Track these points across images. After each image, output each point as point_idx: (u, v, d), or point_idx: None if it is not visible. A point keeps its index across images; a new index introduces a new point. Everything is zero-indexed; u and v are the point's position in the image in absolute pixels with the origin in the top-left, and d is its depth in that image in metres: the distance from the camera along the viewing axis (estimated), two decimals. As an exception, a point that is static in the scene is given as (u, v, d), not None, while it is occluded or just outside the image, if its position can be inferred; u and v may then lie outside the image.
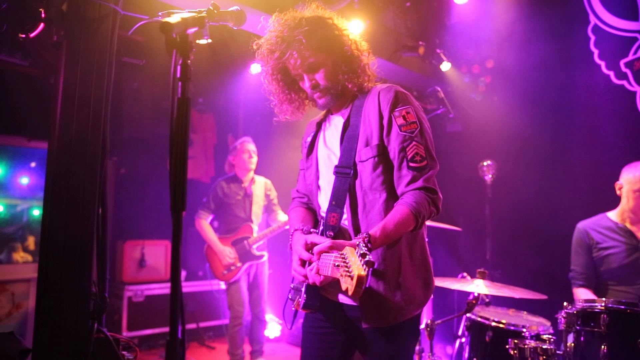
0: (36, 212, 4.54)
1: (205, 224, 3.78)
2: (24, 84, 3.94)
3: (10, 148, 4.43)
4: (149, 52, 3.46)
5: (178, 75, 0.91)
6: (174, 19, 0.86)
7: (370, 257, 1.13)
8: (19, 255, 4.36)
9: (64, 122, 1.75)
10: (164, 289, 4.58)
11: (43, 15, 1.77)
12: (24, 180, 4.58)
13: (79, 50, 1.79)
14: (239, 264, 3.68)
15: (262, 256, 3.78)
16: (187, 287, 4.80)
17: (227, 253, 3.67)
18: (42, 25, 1.81)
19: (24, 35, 1.83)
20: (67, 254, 1.73)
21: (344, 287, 1.16)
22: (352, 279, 1.11)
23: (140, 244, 4.64)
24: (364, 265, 1.11)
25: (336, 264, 1.21)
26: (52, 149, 1.77)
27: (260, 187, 3.89)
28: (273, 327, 4.79)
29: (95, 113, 1.82)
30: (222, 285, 4.90)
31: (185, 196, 0.88)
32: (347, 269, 1.15)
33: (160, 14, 1.19)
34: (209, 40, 1.60)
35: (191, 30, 0.92)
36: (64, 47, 1.78)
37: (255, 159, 3.84)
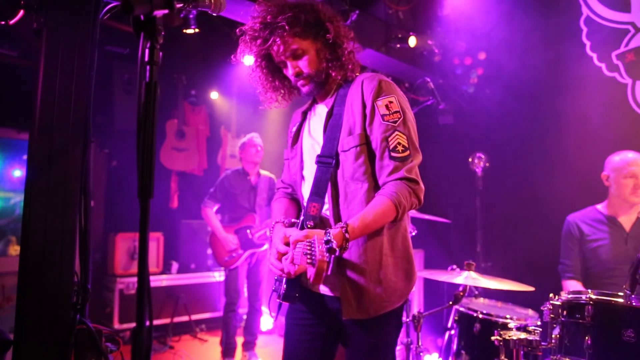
0: (28, 205, 4.51)
1: (210, 212, 3.95)
2: (13, 74, 3.90)
3: (1, 140, 4.40)
4: (136, 40, 3.42)
5: (146, 58, 0.89)
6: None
7: (334, 244, 1.12)
8: (14, 249, 4.34)
9: (45, 112, 1.73)
10: (156, 281, 4.59)
11: (22, 1, 1.75)
12: (17, 173, 4.55)
13: (59, 38, 1.75)
14: (240, 251, 3.83)
15: (262, 244, 3.90)
16: (180, 279, 4.80)
17: (229, 240, 3.82)
18: (21, 12, 1.78)
19: (3, 23, 1.80)
20: (48, 244, 1.71)
21: (308, 275, 1.16)
22: (313, 266, 1.11)
23: (132, 236, 4.63)
24: (326, 253, 1.11)
25: (304, 252, 1.21)
26: (32, 138, 1.75)
27: (265, 181, 4.05)
28: (266, 320, 4.80)
29: (77, 102, 1.80)
30: (217, 278, 4.94)
31: (153, 183, 0.86)
32: (310, 257, 1.15)
33: None
34: (196, 30, 1.56)
35: (159, 13, 0.89)
36: (43, 35, 1.75)
37: (261, 154, 4.02)
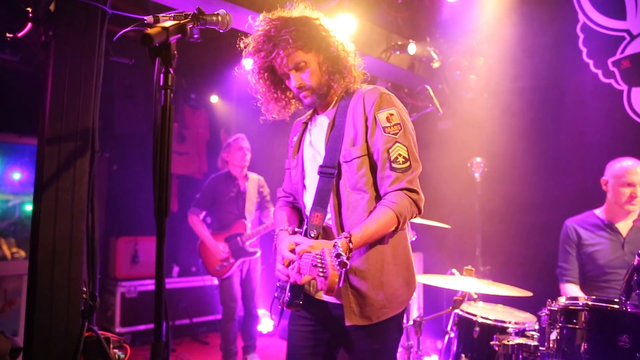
0: (28, 208, 4.54)
1: (197, 220, 3.81)
2: (14, 80, 3.92)
3: (1, 144, 4.42)
4: (140, 49, 3.45)
5: (161, 83, 0.93)
6: (154, 30, 0.88)
7: (344, 257, 1.17)
8: (12, 251, 4.35)
9: (53, 122, 1.76)
10: (155, 286, 4.60)
11: (30, 15, 1.78)
12: (16, 176, 4.57)
13: (67, 51, 1.79)
14: (232, 260, 3.72)
15: (255, 252, 3.83)
16: (180, 282, 4.83)
17: (220, 249, 3.70)
18: (29, 25, 1.81)
19: (11, 35, 1.83)
20: (56, 252, 1.74)
21: (319, 287, 1.20)
22: (325, 279, 1.15)
23: (133, 240, 4.66)
24: (338, 266, 1.15)
25: (314, 264, 1.25)
26: (41, 148, 1.78)
27: (253, 184, 3.92)
28: (266, 322, 4.83)
29: (84, 113, 1.83)
30: (216, 281, 4.96)
31: (170, 202, 0.89)
32: (322, 269, 1.19)
33: (145, 19, 1.19)
34: (199, 40, 1.59)
35: (174, 39, 0.93)
36: (51, 47, 1.78)
37: (248, 156, 3.87)
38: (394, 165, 1.49)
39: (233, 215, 3.81)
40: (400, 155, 1.49)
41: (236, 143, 3.84)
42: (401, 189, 1.47)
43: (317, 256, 1.27)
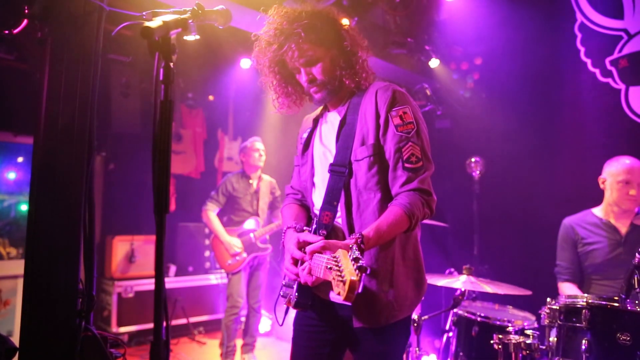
0: (24, 207, 4.51)
1: (212, 215, 3.97)
2: (9, 78, 3.89)
3: (-3, 143, 4.39)
4: (137, 46, 3.44)
5: (161, 77, 0.91)
6: (154, 23, 0.86)
7: (363, 262, 1.10)
8: (7, 251, 4.32)
9: (49, 120, 1.74)
10: (154, 285, 4.58)
11: (26, 11, 1.76)
12: (11, 175, 4.53)
13: (63, 48, 1.76)
14: (244, 255, 3.87)
15: (266, 248, 3.99)
16: (177, 282, 4.81)
17: (234, 243, 3.85)
18: (25, 21, 1.79)
19: (7, 32, 1.81)
20: (53, 252, 1.72)
21: (336, 292, 1.13)
22: (344, 284, 1.08)
23: (129, 239, 4.63)
24: (357, 271, 1.08)
25: (329, 266, 1.19)
26: (37, 146, 1.75)
27: (266, 184, 4.10)
28: (263, 322, 4.82)
29: (81, 110, 1.80)
30: (213, 280, 4.96)
31: (169, 198, 0.88)
32: (339, 273, 1.13)
33: (144, 14, 1.18)
34: (197, 37, 1.60)
35: (174, 33, 0.91)
36: (48, 44, 1.76)
37: (264, 158, 4.06)
38: (406, 164, 1.45)
39: (247, 213, 4.00)
40: (413, 154, 1.45)
41: (252, 145, 4.04)
42: (413, 190, 1.43)
43: (332, 258, 1.20)
